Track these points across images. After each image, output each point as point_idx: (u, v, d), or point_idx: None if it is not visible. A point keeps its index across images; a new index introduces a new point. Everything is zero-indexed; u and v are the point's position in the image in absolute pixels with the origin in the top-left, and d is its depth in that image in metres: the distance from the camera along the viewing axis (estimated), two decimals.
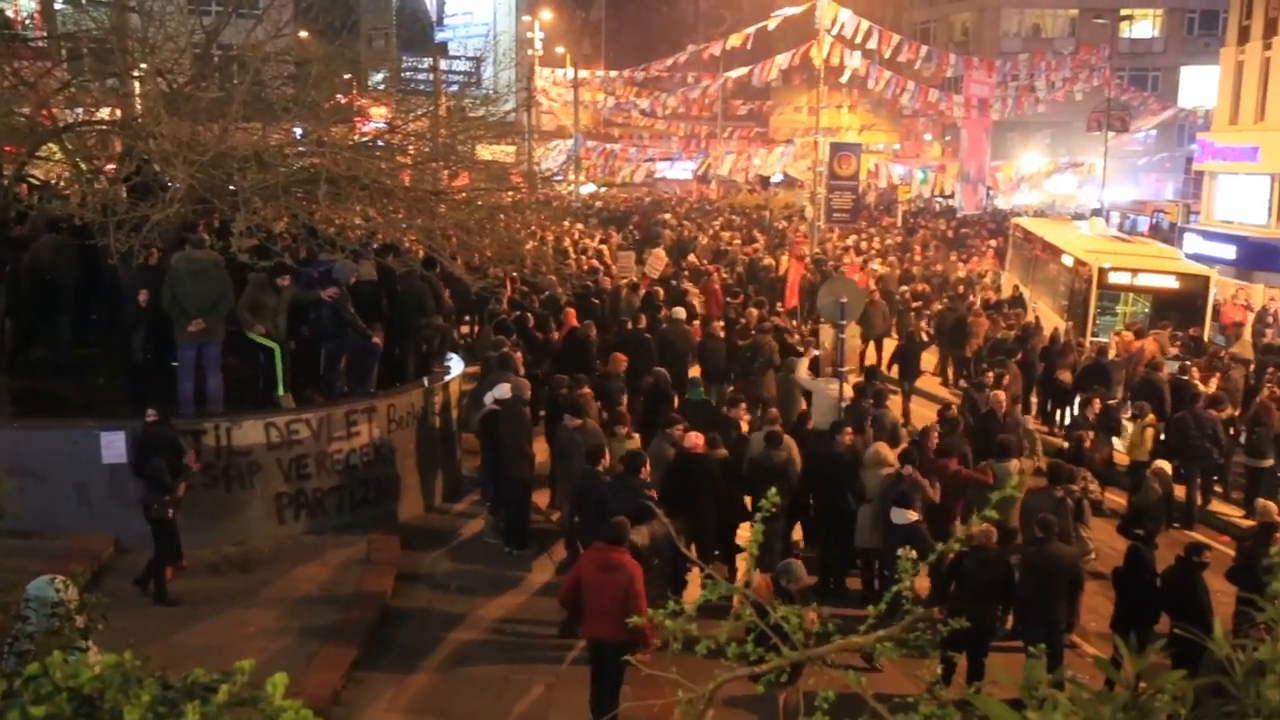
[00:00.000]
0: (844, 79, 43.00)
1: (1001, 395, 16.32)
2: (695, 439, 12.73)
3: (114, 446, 11.81)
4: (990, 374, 17.63)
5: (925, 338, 22.68)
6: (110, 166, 14.51)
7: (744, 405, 14.92)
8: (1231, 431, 16.32)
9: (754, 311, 20.52)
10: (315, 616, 11.00)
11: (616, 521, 9.56)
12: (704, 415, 15.12)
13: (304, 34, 20.12)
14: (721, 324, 18.98)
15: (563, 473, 13.15)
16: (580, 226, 33.11)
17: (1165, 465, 14.46)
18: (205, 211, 13.65)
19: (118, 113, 15.21)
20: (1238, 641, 2.60)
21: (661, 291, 22.38)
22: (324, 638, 10.56)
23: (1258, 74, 30.44)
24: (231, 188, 13.02)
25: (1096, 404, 16.13)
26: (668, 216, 41.74)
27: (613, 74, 60.45)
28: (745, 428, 14.52)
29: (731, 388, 17.92)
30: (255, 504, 12.61)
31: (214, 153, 12.39)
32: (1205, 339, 21.76)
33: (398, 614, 11.49)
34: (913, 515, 11.25)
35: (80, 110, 15.16)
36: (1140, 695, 2.41)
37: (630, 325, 18.69)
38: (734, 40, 44.39)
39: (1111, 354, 19.24)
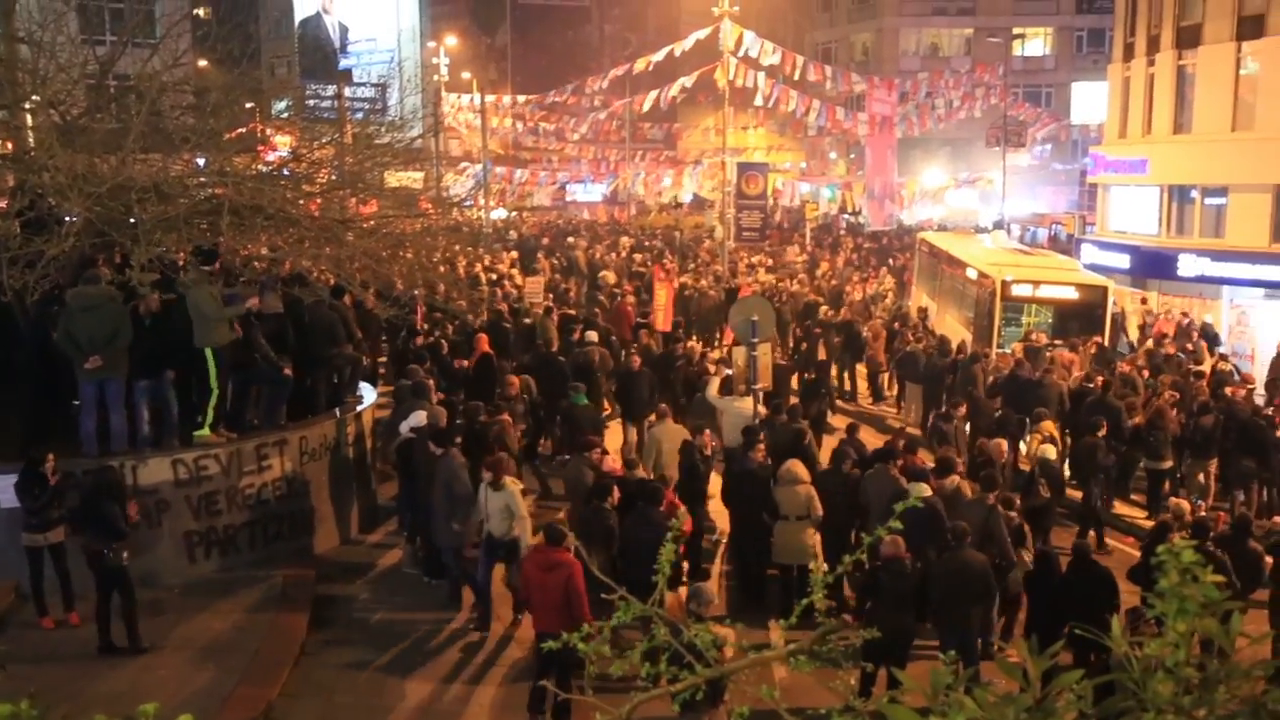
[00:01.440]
0: (757, 101, 43.48)
1: (1003, 444, 14.99)
2: (613, 462, 12.76)
3: (6, 492, 11.40)
4: (961, 407, 16.84)
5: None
6: (2, 202, 14.11)
7: (708, 433, 14.99)
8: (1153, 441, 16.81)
9: (695, 345, 20.83)
10: (229, 657, 10.75)
11: (555, 525, 10.24)
12: (588, 420, 15.64)
13: (203, 63, 19.82)
14: (638, 358, 18.46)
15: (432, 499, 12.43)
16: (511, 256, 33.05)
17: (1049, 451, 14.84)
18: (104, 245, 13.34)
19: (9, 146, 14.82)
20: (1134, 639, 2.68)
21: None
22: (239, 678, 10.32)
23: (1143, 89, 31.54)
24: (131, 220, 12.74)
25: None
26: (572, 240, 41.94)
27: (520, 99, 60.49)
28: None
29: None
30: (164, 543, 12.30)
31: (111, 185, 12.13)
32: (1106, 345, 22.38)
33: (315, 650, 11.28)
34: (927, 490, 11.80)
35: None
36: (1044, 696, 2.47)
37: (544, 349, 18.74)
38: (639, 64, 44.69)
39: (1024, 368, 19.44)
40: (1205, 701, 2.35)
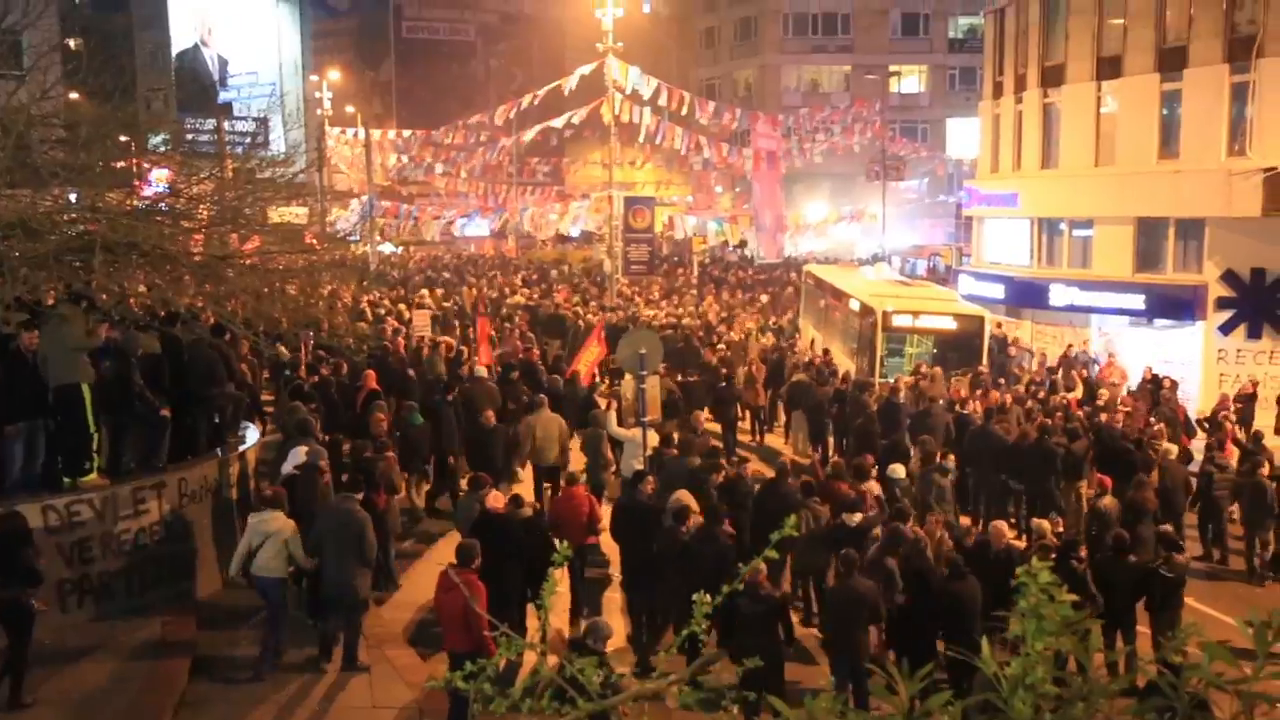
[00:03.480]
0: (640, 138, 43.92)
1: (1003, 526, 13.61)
2: (496, 499, 12.70)
3: None
4: (952, 455, 16.51)
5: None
6: None
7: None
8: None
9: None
10: (105, 709, 10.35)
11: (466, 544, 10.58)
12: (423, 442, 16.61)
13: (74, 95, 19.24)
14: (492, 413, 16.94)
15: None
16: (435, 292, 32.84)
17: (899, 471, 15.30)
18: None
19: None
20: (1003, 659, 2.79)
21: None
22: None
23: (1012, 126, 32.81)
24: None
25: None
26: (447, 275, 41.87)
27: (406, 133, 60.08)
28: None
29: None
30: (34, 593, 11.78)
31: None
32: (985, 373, 23.06)
33: (196, 700, 10.92)
34: (858, 517, 12.88)
35: None
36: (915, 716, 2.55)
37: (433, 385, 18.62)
38: (526, 100, 44.83)
39: (901, 395, 19.85)
40: (1065, 718, 2.46)
